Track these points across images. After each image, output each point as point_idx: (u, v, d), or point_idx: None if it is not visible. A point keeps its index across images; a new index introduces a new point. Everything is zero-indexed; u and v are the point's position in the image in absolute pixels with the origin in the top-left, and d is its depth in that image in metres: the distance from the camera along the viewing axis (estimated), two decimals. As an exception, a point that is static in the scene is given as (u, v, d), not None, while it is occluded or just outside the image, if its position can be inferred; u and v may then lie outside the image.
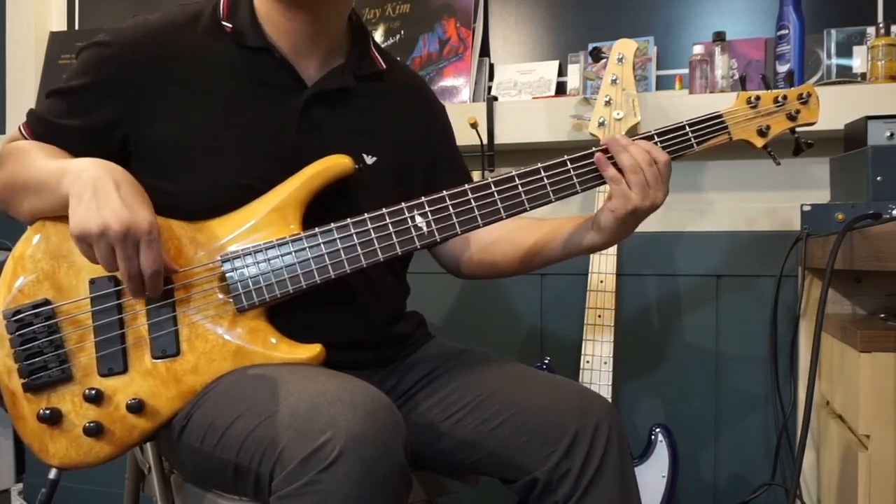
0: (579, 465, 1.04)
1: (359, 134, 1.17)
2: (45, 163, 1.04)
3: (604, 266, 1.58)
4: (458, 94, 1.97)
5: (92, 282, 1.03)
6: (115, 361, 1.02)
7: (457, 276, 1.33)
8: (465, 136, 1.80)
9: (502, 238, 1.25)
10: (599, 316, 1.58)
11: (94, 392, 1.00)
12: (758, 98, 1.13)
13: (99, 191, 0.96)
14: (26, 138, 1.11)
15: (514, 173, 1.08)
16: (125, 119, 1.08)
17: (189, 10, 1.13)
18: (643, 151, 1.06)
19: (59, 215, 1.02)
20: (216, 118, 1.09)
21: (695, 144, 1.11)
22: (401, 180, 1.20)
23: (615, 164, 1.07)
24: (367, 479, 0.84)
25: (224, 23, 1.12)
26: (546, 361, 1.66)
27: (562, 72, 1.96)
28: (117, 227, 0.94)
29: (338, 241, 1.05)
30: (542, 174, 1.09)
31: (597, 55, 1.67)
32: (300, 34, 1.12)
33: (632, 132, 1.58)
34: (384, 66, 1.22)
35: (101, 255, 0.96)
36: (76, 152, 1.08)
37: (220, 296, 1.04)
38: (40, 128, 1.10)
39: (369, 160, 1.16)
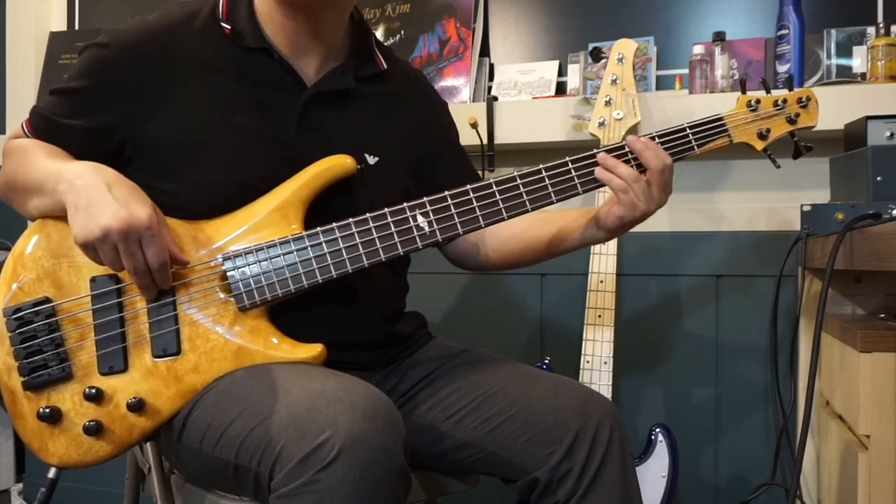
0: (580, 465, 1.04)
1: (360, 134, 1.17)
2: (43, 164, 1.05)
3: (604, 266, 1.58)
4: (458, 94, 1.97)
5: (93, 280, 1.03)
6: (115, 360, 1.02)
7: (473, 271, 1.36)
8: (465, 136, 1.79)
9: (516, 236, 1.27)
10: (599, 316, 1.58)
11: (94, 391, 1.00)
12: (758, 101, 1.14)
13: (93, 196, 0.97)
14: (28, 135, 1.11)
15: (515, 174, 1.09)
16: (124, 121, 1.08)
17: (187, 10, 1.13)
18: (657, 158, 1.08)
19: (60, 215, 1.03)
20: (215, 118, 1.09)
21: (695, 147, 1.12)
22: (402, 181, 1.20)
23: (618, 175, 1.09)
24: (366, 479, 0.84)
25: (223, 23, 1.12)
26: (546, 361, 1.66)
27: (562, 72, 1.96)
28: (116, 226, 0.95)
29: (339, 240, 1.05)
30: (544, 174, 1.09)
31: (597, 55, 1.67)
32: (300, 34, 1.12)
33: (632, 132, 1.58)
34: (385, 67, 1.22)
35: (107, 257, 0.97)
36: (76, 151, 1.08)
37: (222, 295, 1.04)
38: (41, 125, 1.11)
39: (371, 160, 1.16)
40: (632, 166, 1.09)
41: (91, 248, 0.97)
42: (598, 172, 1.09)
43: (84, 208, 0.96)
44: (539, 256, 1.26)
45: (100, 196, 0.97)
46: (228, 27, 1.11)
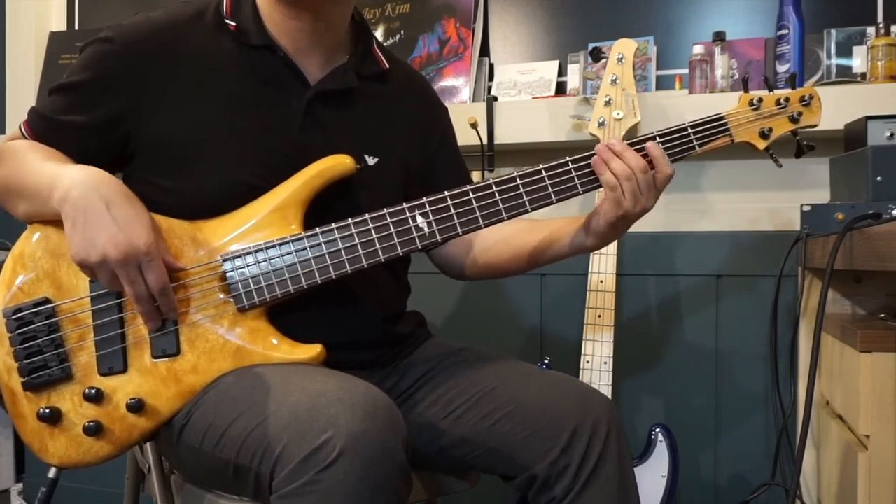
0: (578, 461, 1.04)
1: (361, 134, 1.17)
2: (38, 167, 1.04)
3: (604, 266, 1.58)
4: (458, 94, 1.97)
5: (92, 280, 1.03)
6: (115, 361, 1.02)
7: (457, 278, 1.33)
8: (465, 136, 1.80)
9: (502, 241, 1.25)
10: (599, 316, 1.58)
11: (93, 391, 1.00)
12: (760, 100, 1.13)
13: (90, 214, 0.96)
14: (26, 137, 1.10)
15: (515, 174, 1.08)
16: (127, 115, 1.08)
17: (192, 8, 1.13)
18: (637, 158, 1.07)
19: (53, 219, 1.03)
20: (218, 116, 1.09)
21: (696, 146, 1.11)
22: (402, 182, 1.20)
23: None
24: (367, 478, 0.84)
25: (228, 21, 1.12)
26: (546, 361, 1.66)
27: (562, 72, 1.96)
28: (115, 254, 0.95)
29: (339, 240, 1.05)
30: (544, 174, 1.09)
31: (597, 55, 1.66)
32: (302, 33, 1.12)
33: (632, 132, 1.58)
34: (387, 66, 1.22)
35: (105, 281, 0.98)
36: (77, 148, 1.08)
37: (221, 295, 1.04)
38: (41, 125, 1.10)
39: (371, 161, 1.16)
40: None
41: (88, 270, 0.98)
42: (593, 161, 1.08)
43: (81, 225, 0.96)
44: (525, 263, 1.23)
45: (96, 214, 0.96)
46: (233, 24, 1.11)
